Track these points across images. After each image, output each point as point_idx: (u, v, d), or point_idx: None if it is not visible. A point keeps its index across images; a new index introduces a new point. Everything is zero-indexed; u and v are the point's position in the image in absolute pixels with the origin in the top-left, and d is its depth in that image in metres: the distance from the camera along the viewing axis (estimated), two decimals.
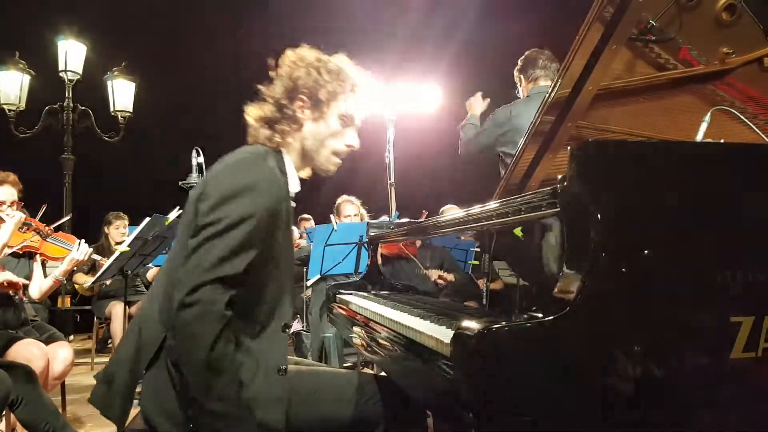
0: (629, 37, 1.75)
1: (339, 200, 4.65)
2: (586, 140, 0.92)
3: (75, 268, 3.09)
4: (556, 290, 0.90)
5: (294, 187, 1.61)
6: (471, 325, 0.87)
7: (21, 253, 3.00)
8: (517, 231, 1.47)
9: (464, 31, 8.30)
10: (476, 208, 1.61)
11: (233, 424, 1.32)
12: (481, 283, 1.58)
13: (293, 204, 1.60)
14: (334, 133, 1.60)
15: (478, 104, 3.46)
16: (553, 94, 1.84)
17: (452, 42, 8.25)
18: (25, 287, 2.98)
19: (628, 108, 2.00)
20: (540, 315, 0.89)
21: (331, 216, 4.33)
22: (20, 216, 2.73)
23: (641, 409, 0.88)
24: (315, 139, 1.59)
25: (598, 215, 0.88)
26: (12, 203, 2.93)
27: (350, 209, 4.51)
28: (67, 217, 4.30)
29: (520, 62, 3.30)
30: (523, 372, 0.85)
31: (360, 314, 1.83)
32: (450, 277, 1.94)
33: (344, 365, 4.05)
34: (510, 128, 3.15)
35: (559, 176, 1.01)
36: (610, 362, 0.87)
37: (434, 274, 2.03)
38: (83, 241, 3.06)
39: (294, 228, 7.25)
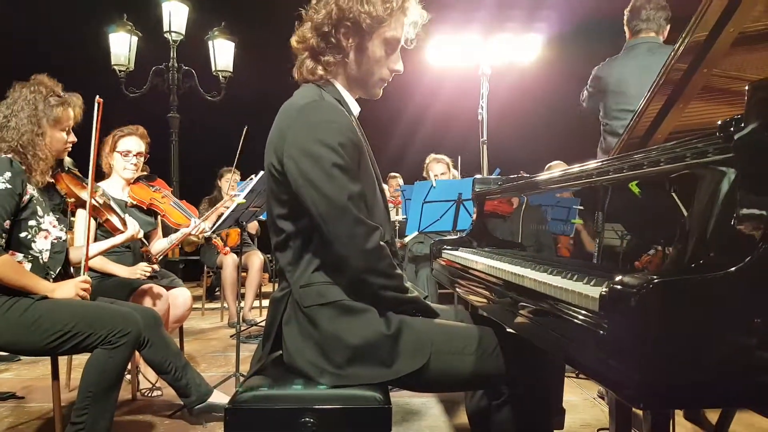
0: None
1: (428, 159, 4.60)
2: None
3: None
4: (732, 240, 0.84)
5: (355, 110, 1.60)
6: (629, 279, 0.83)
7: (146, 208, 3.20)
8: (633, 187, 1.39)
9: None
10: (602, 161, 1.53)
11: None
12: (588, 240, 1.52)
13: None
14: (379, 60, 1.54)
15: None
16: (687, 39, 1.71)
17: None
18: (149, 239, 3.19)
19: (767, 54, 1.83)
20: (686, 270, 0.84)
21: (430, 173, 4.31)
22: (138, 230, 2.82)
23: None
24: (361, 68, 1.54)
25: None
26: (138, 153, 3.14)
27: (439, 168, 4.45)
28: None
29: (626, 12, 3.21)
30: (693, 326, 0.81)
31: (477, 270, 1.82)
32: None
33: None
34: (598, 88, 3.25)
35: (721, 120, 0.93)
36: None
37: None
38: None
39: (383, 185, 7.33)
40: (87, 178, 2.45)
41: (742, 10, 1.64)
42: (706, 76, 1.78)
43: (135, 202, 3.15)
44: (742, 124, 0.88)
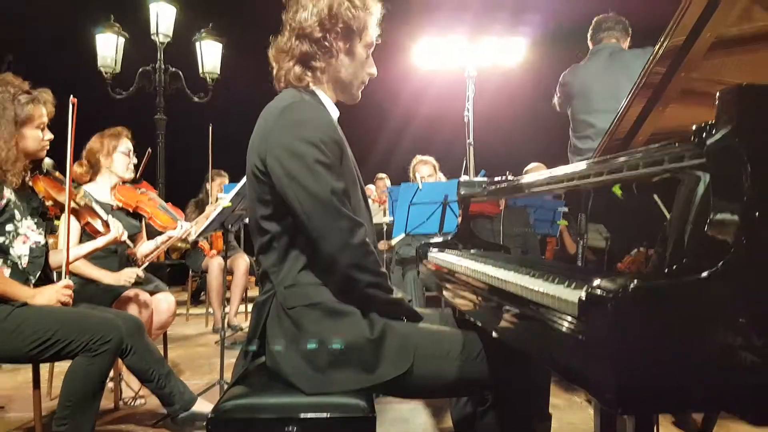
0: None
1: (414, 161, 4.59)
2: (738, 84, 0.84)
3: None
4: (707, 244, 0.84)
5: (334, 114, 1.62)
6: (606, 284, 0.83)
7: (131, 211, 3.17)
8: (616, 189, 1.40)
9: None
10: (584, 164, 1.54)
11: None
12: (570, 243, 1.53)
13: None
14: (363, 63, 1.59)
15: None
16: (666, 43, 1.73)
17: None
18: (133, 242, 3.16)
19: (744, 58, 1.85)
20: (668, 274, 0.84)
21: (417, 175, 4.30)
22: (118, 235, 2.72)
23: None
24: (348, 71, 1.58)
25: (756, 165, 0.81)
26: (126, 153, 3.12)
27: (425, 170, 4.44)
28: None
29: (590, 30, 3.50)
30: (670, 330, 0.82)
31: (461, 273, 1.81)
32: None
33: None
34: (565, 94, 3.49)
35: (696, 125, 0.93)
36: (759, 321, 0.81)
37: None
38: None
39: (370, 186, 7.30)
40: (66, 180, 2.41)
41: (719, 15, 1.65)
42: (684, 79, 1.79)
43: (120, 205, 3.12)
44: (714, 130, 0.89)
